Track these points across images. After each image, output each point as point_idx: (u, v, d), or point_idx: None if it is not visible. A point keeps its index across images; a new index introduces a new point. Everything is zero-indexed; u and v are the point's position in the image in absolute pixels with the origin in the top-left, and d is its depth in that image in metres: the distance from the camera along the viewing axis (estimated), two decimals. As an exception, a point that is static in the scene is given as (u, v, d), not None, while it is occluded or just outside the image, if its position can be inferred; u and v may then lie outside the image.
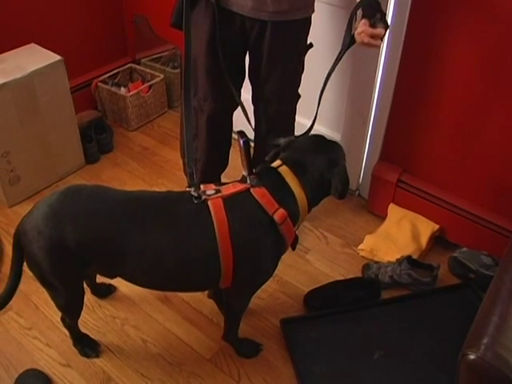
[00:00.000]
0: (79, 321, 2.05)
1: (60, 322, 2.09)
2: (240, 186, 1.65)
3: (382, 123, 2.45)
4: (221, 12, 1.91)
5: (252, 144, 1.84)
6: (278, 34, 1.93)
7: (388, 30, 1.76)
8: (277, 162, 1.72)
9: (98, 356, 2.05)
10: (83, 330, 2.09)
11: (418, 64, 2.21)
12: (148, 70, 3.40)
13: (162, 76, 3.34)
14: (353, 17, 1.80)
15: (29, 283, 2.26)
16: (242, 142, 1.71)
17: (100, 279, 2.21)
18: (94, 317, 2.20)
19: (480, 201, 2.32)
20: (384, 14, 1.75)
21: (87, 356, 2.04)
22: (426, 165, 2.44)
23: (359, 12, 1.76)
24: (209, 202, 1.60)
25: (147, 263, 1.61)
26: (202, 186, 1.66)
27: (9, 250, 2.44)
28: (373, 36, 1.71)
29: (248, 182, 1.66)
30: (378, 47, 1.90)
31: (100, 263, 1.66)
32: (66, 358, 2.05)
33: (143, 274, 1.67)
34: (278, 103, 2.12)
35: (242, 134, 1.73)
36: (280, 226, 1.62)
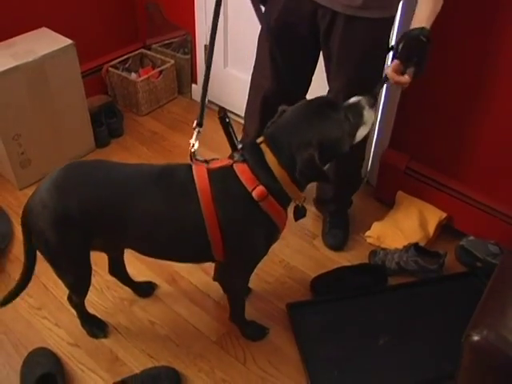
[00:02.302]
0: (87, 302, 2.08)
1: (68, 303, 2.12)
2: (226, 161, 1.66)
3: (392, 110, 2.45)
4: None
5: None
6: (350, 30, 1.86)
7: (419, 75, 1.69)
8: (261, 138, 1.66)
9: (106, 336, 2.07)
10: (91, 310, 2.12)
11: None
12: (158, 56, 3.41)
13: (172, 62, 3.35)
14: (396, 48, 1.70)
15: (39, 264, 2.26)
16: (219, 118, 1.74)
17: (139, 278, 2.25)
18: (102, 298, 2.22)
19: (488, 189, 2.32)
20: (422, 59, 1.66)
21: (95, 336, 2.07)
22: (434, 152, 2.44)
23: (401, 45, 1.67)
24: (194, 171, 1.63)
25: (146, 229, 1.65)
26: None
27: (19, 231, 2.44)
28: (398, 82, 1.70)
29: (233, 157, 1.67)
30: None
31: (103, 232, 1.69)
32: (74, 337, 2.08)
33: (143, 241, 1.71)
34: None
35: (221, 110, 1.75)
36: (260, 203, 1.60)
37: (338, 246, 2.44)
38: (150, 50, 3.50)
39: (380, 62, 2.01)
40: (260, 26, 2.08)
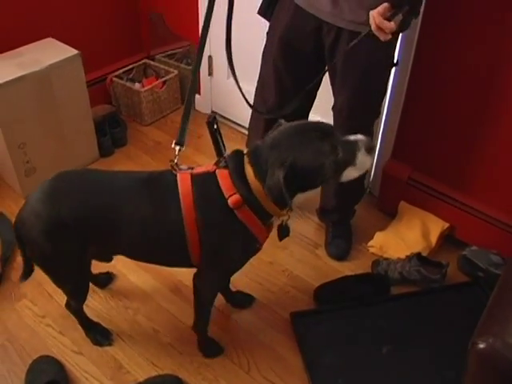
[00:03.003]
0: (91, 310, 2.11)
1: (67, 309, 2.13)
2: (209, 167, 1.67)
3: (395, 121, 2.46)
4: (299, 11, 1.91)
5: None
6: (354, 45, 1.80)
7: (402, 32, 1.65)
8: (247, 149, 1.66)
9: (110, 344, 2.08)
10: (95, 319, 2.13)
11: (432, 62, 2.22)
12: (162, 66, 3.44)
13: (176, 72, 3.37)
14: None
15: (42, 272, 2.30)
16: (207, 123, 1.74)
17: (96, 269, 2.23)
18: (106, 306, 2.23)
19: (490, 200, 2.33)
20: (413, 10, 1.60)
21: (100, 344, 2.08)
22: (436, 163, 2.45)
23: None
24: (178, 176, 1.65)
25: (134, 234, 1.67)
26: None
27: (23, 239, 2.48)
28: (380, 27, 1.61)
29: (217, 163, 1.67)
30: (384, 39, 1.68)
31: (96, 239, 1.71)
32: (78, 345, 2.09)
33: (132, 245, 1.73)
34: (348, 117, 2.05)
35: (210, 116, 1.75)
36: (236, 211, 1.59)
37: (340, 255, 2.46)
38: (153, 60, 3.53)
39: (384, 78, 2.03)
40: (264, 39, 2.10)
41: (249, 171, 1.58)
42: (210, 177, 1.63)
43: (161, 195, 1.67)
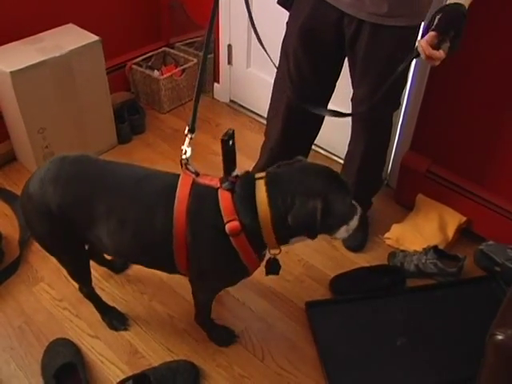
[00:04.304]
0: (108, 295, 2.14)
1: (81, 293, 2.16)
2: (214, 181, 1.61)
3: (414, 113, 2.45)
4: (320, 1, 1.90)
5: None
6: (376, 37, 1.85)
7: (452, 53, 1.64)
8: (261, 174, 1.60)
9: (126, 329, 2.10)
10: (111, 303, 2.15)
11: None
12: (181, 55, 3.44)
13: (195, 60, 3.37)
14: (431, 21, 1.64)
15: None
16: (221, 140, 1.71)
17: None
18: (122, 291, 2.25)
19: (509, 194, 2.32)
20: (458, 34, 1.60)
21: (116, 329, 2.10)
22: (455, 156, 2.44)
23: (438, 17, 1.62)
24: (180, 177, 1.63)
25: (112, 227, 1.63)
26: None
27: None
28: (430, 57, 1.62)
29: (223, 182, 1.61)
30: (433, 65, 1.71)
31: (80, 228, 1.70)
32: (94, 329, 2.11)
33: (108, 239, 1.67)
34: (369, 108, 1.99)
35: (227, 133, 1.74)
36: (231, 238, 1.55)
37: (357, 246, 2.45)
38: (173, 48, 3.53)
39: (405, 69, 2.01)
40: (284, 29, 2.09)
41: (262, 198, 1.52)
42: (212, 193, 1.58)
43: (154, 193, 1.63)
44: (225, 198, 1.55)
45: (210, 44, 3.32)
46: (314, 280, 2.31)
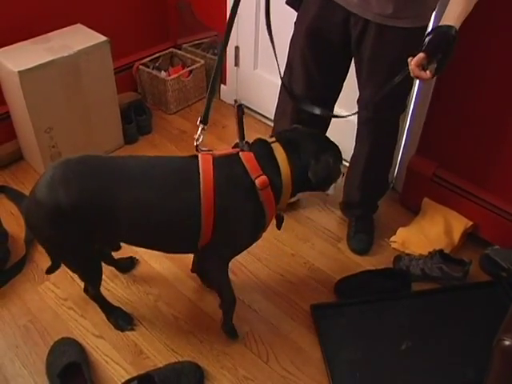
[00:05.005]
0: (113, 295, 2.14)
1: (86, 294, 2.16)
2: (232, 150, 1.75)
3: (421, 117, 2.45)
4: (327, 1, 1.91)
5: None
6: (381, 38, 1.87)
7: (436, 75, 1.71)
8: (271, 139, 1.78)
9: (133, 329, 2.10)
10: (116, 303, 2.15)
11: (461, 56, 2.19)
12: (189, 56, 3.44)
13: (202, 62, 3.37)
14: (423, 42, 1.70)
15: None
16: (236, 107, 1.81)
17: (117, 254, 2.26)
18: (127, 292, 2.25)
19: (515, 199, 2.32)
20: (446, 56, 1.66)
21: (122, 329, 2.09)
22: (462, 161, 2.43)
23: (428, 39, 1.68)
24: (199, 157, 1.68)
25: (136, 217, 1.66)
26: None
27: (48, 223, 2.51)
28: (417, 77, 1.71)
29: (240, 146, 1.75)
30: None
31: (98, 224, 1.70)
32: (99, 329, 2.11)
33: (130, 227, 1.70)
34: (374, 110, 2.06)
35: (238, 101, 1.84)
36: (260, 192, 1.67)
37: (362, 250, 2.45)
38: (180, 49, 3.53)
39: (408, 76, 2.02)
40: (292, 30, 2.10)
41: (281, 156, 1.71)
42: (234, 158, 1.70)
43: (172, 176, 1.69)
44: (248, 158, 1.69)
45: (218, 45, 3.35)
46: (320, 283, 2.30)
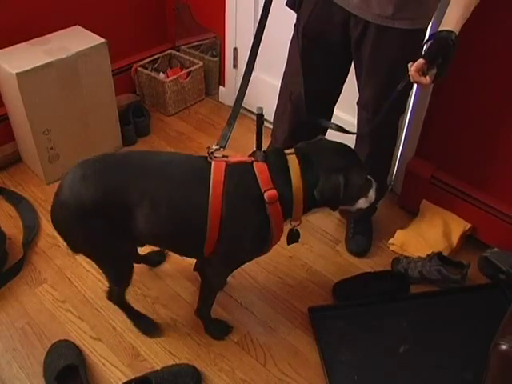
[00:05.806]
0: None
1: (92, 298, 2.18)
2: (246, 158, 1.71)
3: (420, 119, 2.44)
4: (326, 2, 1.90)
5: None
6: (381, 39, 1.86)
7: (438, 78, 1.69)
8: (290, 150, 1.73)
9: (160, 335, 2.09)
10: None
11: (460, 58, 2.19)
12: (187, 57, 3.44)
13: (200, 63, 3.37)
14: (423, 47, 1.72)
15: (63, 258, 2.34)
16: (256, 116, 1.76)
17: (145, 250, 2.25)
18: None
19: (513, 201, 2.31)
20: (446, 61, 1.66)
21: (151, 335, 2.08)
22: (461, 163, 2.43)
23: (428, 44, 1.68)
24: (212, 163, 1.67)
25: (147, 209, 1.65)
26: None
27: (45, 225, 2.51)
28: (417, 82, 1.70)
29: (256, 156, 1.71)
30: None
31: (121, 221, 1.69)
32: (96, 331, 2.10)
33: (144, 223, 1.68)
34: (373, 112, 2.04)
35: (259, 108, 1.78)
36: (268, 205, 1.64)
37: (361, 252, 2.45)
38: (178, 51, 3.53)
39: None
40: (292, 32, 2.10)
41: (295, 170, 1.65)
42: (247, 168, 1.67)
43: (182, 177, 1.68)
44: (261, 170, 1.65)
45: (216, 47, 3.35)
46: (317, 285, 2.30)
